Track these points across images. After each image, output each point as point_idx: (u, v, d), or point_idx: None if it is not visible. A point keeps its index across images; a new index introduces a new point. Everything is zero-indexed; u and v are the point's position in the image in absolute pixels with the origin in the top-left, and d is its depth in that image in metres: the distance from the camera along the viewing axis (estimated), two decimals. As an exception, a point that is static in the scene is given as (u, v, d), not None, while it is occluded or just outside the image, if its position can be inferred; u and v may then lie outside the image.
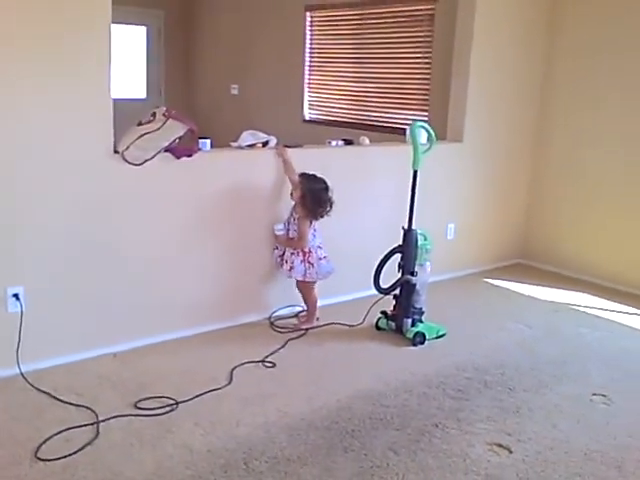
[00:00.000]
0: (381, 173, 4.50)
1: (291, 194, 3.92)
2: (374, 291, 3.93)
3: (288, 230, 3.92)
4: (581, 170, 5.12)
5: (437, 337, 3.89)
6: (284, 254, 3.94)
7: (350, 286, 4.41)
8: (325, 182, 3.83)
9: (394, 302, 3.91)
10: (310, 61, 7.18)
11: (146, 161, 3.47)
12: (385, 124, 6.43)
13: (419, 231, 3.84)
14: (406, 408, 3.09)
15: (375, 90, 6.51)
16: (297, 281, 3.98)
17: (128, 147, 3.43)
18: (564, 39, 5.13)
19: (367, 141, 4.41)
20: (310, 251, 3.90)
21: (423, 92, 6.04)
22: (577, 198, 5.16)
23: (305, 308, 4.16)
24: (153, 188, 3.57)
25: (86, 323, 3.47)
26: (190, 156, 3.62)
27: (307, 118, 7.31)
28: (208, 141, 3.81)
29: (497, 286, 4.93)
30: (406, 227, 3.83)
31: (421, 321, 3.88)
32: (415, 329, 3.80)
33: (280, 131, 7.68)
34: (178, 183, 3.65)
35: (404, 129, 6.36)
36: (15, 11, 2.99)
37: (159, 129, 3.49)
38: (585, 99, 5.04)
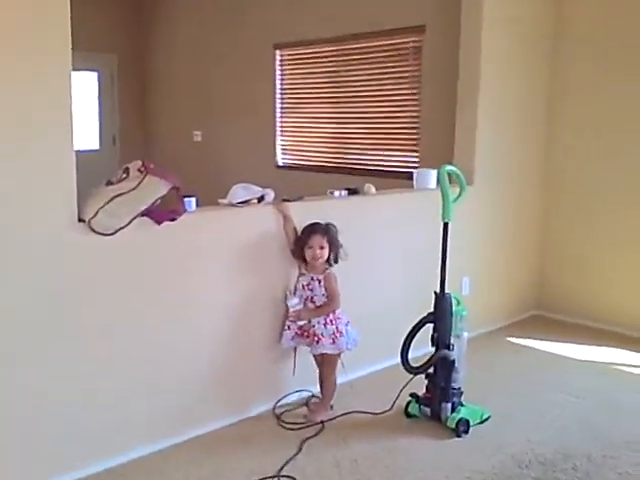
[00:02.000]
0: (393, 225, 3.81)
1: (293, 252, 3.21)
2: (392, 362, 3.21)
3: (305, 300, 3.18)
4: (595, 213, 4.56)
5: (481, 422, 3.17)
6: (302, 328, 3.19)
7: (363, 358, 3.66)
8: (321, 223, 3.20)
9: (426, 382, 3.18)
10: (282, 102, 6.51)
11: (119, 229, 2.69)
12: (369, 167, 5.77)
13: (454, 295, 3.15)
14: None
15: (356, 131, 5.86)
16: (318, 357, 3.24)
17: (96, 214, 2.64)
18: (569, 69, 4.62)
19: (373, 189, 3.73)
20: (338, 316, 3.18)
21: (412, 131, 5.43)
22: (593, 242, 4.58)
23: (317, 392, 3.40)
24: (129, 263, 2.78)
25: (42, 443, 2.63)
26: (174, 220, 2.86)
27: (280, 164, 6.62)
28: (193, 200, 3.05)
29: (523, 346, 4.25)
30: (438, 291, 3.13)
31: (461, 404, 3.15)
32: (457, 415, 3.07)
33: (251, 179, 6.93)
34: (160, 254, 2.87)
35: (389, 171, 5.82)
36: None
37: (135, 189, 2.72)
38: (596, 134, 4.51)
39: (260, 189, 3.25)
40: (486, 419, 3.18)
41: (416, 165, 5.42)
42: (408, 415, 3.23)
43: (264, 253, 3.22)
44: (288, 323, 3.21)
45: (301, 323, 3.17)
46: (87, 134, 7.83)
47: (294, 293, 3.20)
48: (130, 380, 2.84)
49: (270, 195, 3.25)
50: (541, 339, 4.35)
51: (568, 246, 4.72)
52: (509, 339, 4.36)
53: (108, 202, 2.66)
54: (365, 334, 3.35)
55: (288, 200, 3.31)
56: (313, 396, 3.44)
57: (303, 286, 3.17)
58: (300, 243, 3.16)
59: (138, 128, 8.10)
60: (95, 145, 7.94)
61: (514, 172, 4.59)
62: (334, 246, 3.15)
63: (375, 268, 3.71)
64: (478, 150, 4.26)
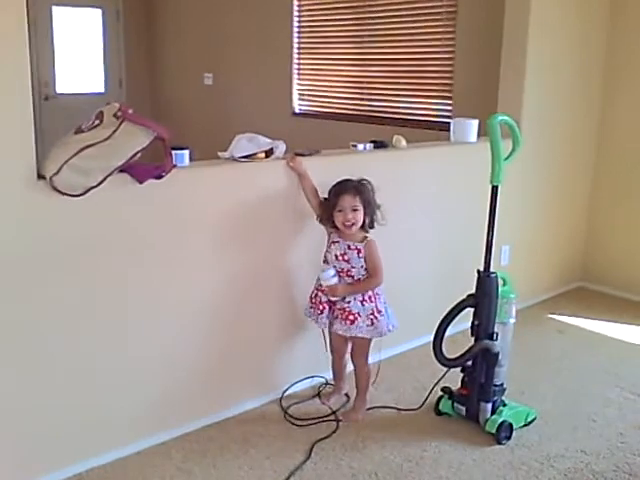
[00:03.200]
0: (426, 185, 3.21)
1: (319, 218, 2.65)
2: (419, 343, 2.73)
3: (339, 273, 2.60)
4: None
5: (525, 425, 2.64)
6: (334, 306, 2.63)
7: (385, 339, 3.10)
8: (352, 179, 2.60)
9: (462, 375, 2.65)
10: (299, 42, 5.82)
11: (90, 189, 2.14)
12: (396, 116, 5.12)
13: (499, 274, 2.58)
14: None
15: (382, 75, 5.19)
16: (341, 340, 2.69)
17: (60, 169, 2.07)
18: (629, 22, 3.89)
19: (404, 142, 3.11)
20: (378, 293, 2.62)
21: (445, 75, 4.75)
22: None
23: (330, 379, 2.89)
24: (102, 232, 2.23)
25: (17, 444, 2.14)
26: (160, 177, 2.29)
27: (297, 111, 5.97)
28: (186, 152, 2.47)
29: (569, 325, 3.68)
30: (482, 269, 2.56)
31: (503, 403, 2.62)
32: (499, 418, 2.53)
33: (265, 127, 6.29)
34: (143, 220, 2.31)
35: (419, 121, 5.16)
36: None
37: (109, 138, 2.14)
38: None
39: (269, 141, 2.66)
40: (531, 421, 2.65)
41: (449, 115, 4.77)
42: (439, 413, 2.71)
43: (273, 218, 2.65)
44: (322, 298, 2.64)
45: (334, 299, 2.61)
46: (92, 76, 7.23)
47: (325, 263, 2.63)
48: (105, 371, 2.33)
49: (280, 148, 2.65)
50: (587, 316, 3.77)
51: (620, 210, 4.09)
52: (552, 316, 3.78)
53: (75, 155, 2.09)
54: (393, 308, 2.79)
55: (302, 154, 2.72)
56: (327, 384, 2.93)
57: (337, 256, 2.58)
58: (328, 206, 2.58)
59: (145, 70, 7.46)
60: (100, 88, 7.32)
61: (566, 131, 3.93)
62: (370, 208, 2.56)
63: (404, 235, 3.12)
64: (527, 100, 3.59)
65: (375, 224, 2.60)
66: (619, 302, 4.02)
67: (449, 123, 4.78)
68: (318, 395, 2.86)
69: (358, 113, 5.41)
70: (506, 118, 2.49)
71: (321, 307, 2.63)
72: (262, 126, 6.29)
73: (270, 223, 2.66)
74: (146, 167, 2.26)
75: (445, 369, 2.62)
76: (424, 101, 4.92)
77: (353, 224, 2.53)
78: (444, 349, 2.55)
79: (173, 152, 2.38)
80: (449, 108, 4.75)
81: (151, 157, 2.29)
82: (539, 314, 3.80)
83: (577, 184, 4.13)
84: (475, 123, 3.35)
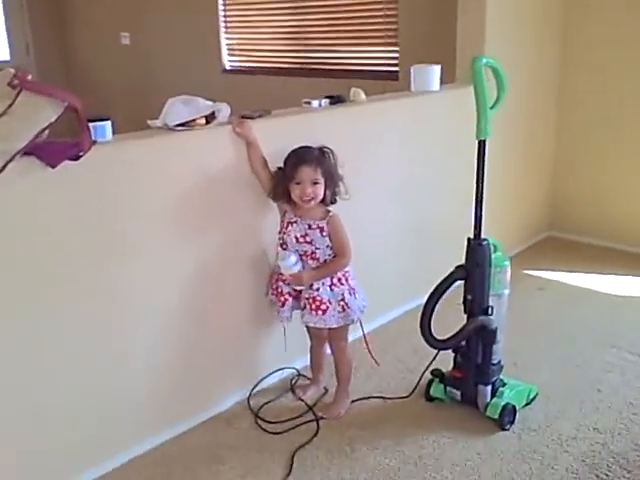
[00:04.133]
0: (391, 142, 2.82)
1: (272, 193, 2.21)
2: (398, 314, 2.41)
3: (302, 256, 2.19)
4: (615, 115, 3.65)
5: (527, 403, 2.35)
6: (300, 295, 2.23)
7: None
8: (312, 148, 2.17)
9: (455, 356, 2.31)
10: (224, -9, 5.26)
11: (-14, 181, 1.64)
12: (337, 67, 4.68)
13: (491, 240, 2.23)
14: None
15: (319, 24, 4.71)
16: (327, 331, 2.29)
17: (-60, 158, 1.58)
18: None
19: (363, 95, 2.69)
20: (347, 271, 2.23)
21: (389, 20, 4.32)
22: (613, 149, 3.69)
23: (303, 368, 2.52)
24: (9, 231, 1.75)
25: None
26: (78, 158, 1.80)
27: (228, 67, 5.43)
28: (107, 124, 1.97)
29: (546, 280, 3.40)
30: (472, 237, 2.20)
31: (503, 382, 2.31)
32: (500, 401, 2.21)
33: (193, 87, 5.68)
34: (61, 213, 1.83)
35: (364, 71, 4.71)
36: None
37: (4, 114, 1.65)
38: (612, 51, 3.54)
39: (209, 103, 2.19)
40: (533, 398, 2.36)
41: (396, 62, 4.37)
42: (430, 398, 2.37)
43: (227, 197, 2.20)
44: (283, 288, 2.25)
45: (300, 288, 2.21)
46: (-6, 42, 6.45)
47: (284, 248, 2.22)
48: (44, 386, 1.87)
49: (224, 112, 2.19)
50: (563, 269, 3.50)
51: (586, 155, 3.81)
52: (527, 272, 3.48)
53: (-40, 137, 1.60)
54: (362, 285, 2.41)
55: (250, 117, 2.27)
56: (299, 375, 2.55)
57: (297, 239, 2.17)
58: (283, 178, 2.15)
59: (54, 33, 6.68)
60: (5, 55, 6.52)
61: (530, 75, 3.56)
62: (332, 180, 2.15)
63: (369, 201, 2.72)
64: (489, 41, 3.20)
65: (337, 198, 2.20)
66: (589, 249, 3.78)
67: (397, 71, 4.42)
68: (291, 389, 2.48)
69: (296, 66, 4.93)
70: (491, 61, 2.09)
71: (282, 299, 2.24)
72: (190, 86, 5.64)
73: (224, 204, 2.21)
74: (58, 146, 1.77)
75: (435, 351, 2.28)
76: (368, 49, 4.49)
77: (312, 199, 2.12)
78: (433, 331, 2.21)
79: (91, 125, 1.89)
80: (396, 55, 4.34)
81: (64, 133, 1.80)
82: (514, 271, 3.41)
83: (540, 133, 3.81)
84: (437, 69, 2.95)
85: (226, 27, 5.32)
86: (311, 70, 4.81)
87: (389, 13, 4.28)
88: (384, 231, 2.89)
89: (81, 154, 1.79)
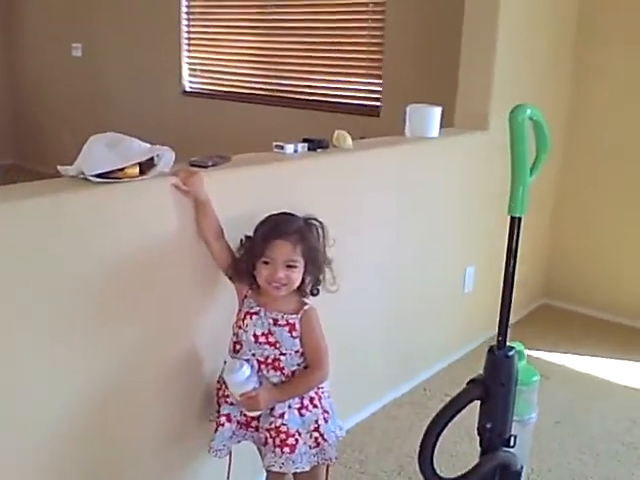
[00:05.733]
0: (384, 198, 2.23)
1: (231, 271, 1.59)
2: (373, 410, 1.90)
3: (262, 364, 1.54)
4: (617, 184, 3.17)
5: None
6: (256, 423, 1.58)
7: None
8: (293, 216, 1.56)
9: (459, 495, 1.72)
10: (189, 6, 4.65)
11: None
12: (310, 96, 4.12)
13: (517, 347, 1.66)
14: None
15: (293, 47, 4.15)
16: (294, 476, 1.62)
17: None
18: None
19: (349, 140, 2.10)
20: (320, 391, 1.58)
21: (373, 50, 3.78)
22: (614, 219, 3.21)
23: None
24: None
25: None
26: None
27: (187, 89, 4.81)
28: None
29: (549, 364, 2.82)
30: (496, 344, 1.62)
31: (521, 533, 1.72)
32: None
33: (149, 109, 5.06)
34: None
35: (341, 104, 4.11)
36: None
37: None
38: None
39: (146, 147, 1.56)
40: None
41: (378, 97, 3.83)
42: None
43: (156, 279, 1.56)
44: (222, 407, 1.60)
45: (255, 414, 1.56)
46: None
47: (235, 352, 1.58)
48: None
49: (166, 159, 1.56)
50: (569, 349, 2.96)
51: (581, 230, 3.32)
52: (527, 352, 2.92)
53: None
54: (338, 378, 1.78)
55: (201, 165, 1.66)
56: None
57: (256, 337, 1.54)
58: (249, 251, 1.54)
59: (1, 40, 5.97)
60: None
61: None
62: (315, 264, 1.54)
63: (355, 274, 2.12)
64: (497, 86, 2.66)
65: (319, 289, 1.58)
66: (592, 322, 3.25)
67: (379, 107, 3.88)
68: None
69: (265, 93, 4.34)
70: (537, 112, 1.51)
71: (222, 419, 1.58)
72: (146, 108, 5.06)
73: (154, 288, 1.57)
74: None
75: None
76: (347, 79, 3.94)
77: (285, 284, 1.51)
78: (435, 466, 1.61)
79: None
80: (379, 89, 3.81)
81: None
82: (511, 350, 2.94)
83: (542, 196, 3.28)
84: (438, 112, 2.39)
85: (189, 44, 4.72)
86: (281, 99, 4.24)
87: (374, 41, 3.75)
88: (367, 308, 2.29)
89: None
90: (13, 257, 1.31)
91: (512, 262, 1.59)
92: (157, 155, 1.56)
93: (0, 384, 1.33)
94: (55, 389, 1.43)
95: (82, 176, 1.48)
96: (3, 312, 1.31)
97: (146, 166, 1.54)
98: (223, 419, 1.57)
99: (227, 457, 1.63)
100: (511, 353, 1.60)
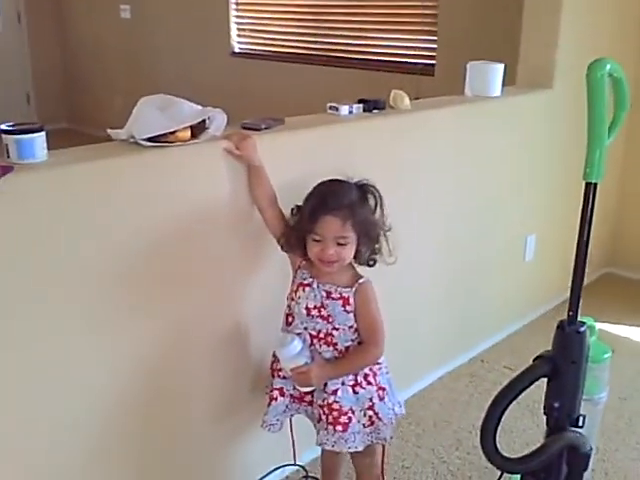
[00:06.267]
0: (443, 162, 2.12)
1: (284, 242, 1.51)
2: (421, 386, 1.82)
3: (314, 338, 1.47)
4: None
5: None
6: (305, 395, 1.53)
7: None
8: (343, 184, 1.45)
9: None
10: (236, -38, 4.53)
11: None
12: (361, 55, 3.98)
13: (588, 322, 1.55)
14: None
15: (341, 4, 4.00)
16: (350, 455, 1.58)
17: None
18: None
19: (407, 101, 1.99)
20: (376, 367, 1.50)
21: (427, 4, 3.60)
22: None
23: (308, 463, 1.84)
24: None
25: None
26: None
27: (236, 50, 4.72)
28: (38, 138, 1.27)
29: (614, 336, 2.68)
30: (567, 319, 1.51)
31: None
32: None
33: (198, 70, 5.01)
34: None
35: (392, 62, 3.97)
36: None
37: None
38: None
39: (197, 108, 1.49)
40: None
41: (432, 55, 3.66)
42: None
43: (207, 246, 1.51)
44: (274, 381, 1.55)
45: (307, 389, 1.50)
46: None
47: (287, 325, 1.51)
48: None
49: (217, 122, 1.49)
50: (632, 322, 2.80)
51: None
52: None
53: None
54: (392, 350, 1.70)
55: (254, 128, 1.58)
56: (307, 477, 1.88)
57: (308, 310, 1.47)
58: (299, 224, 1.45)
59: (49, 2, 5.98)
60: (-7, 25, 5.83)
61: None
62: (369, 236, 1.44)
63: (413, 242, 2.02)
64: (562, 44, 2.46)
65: (376, 259, 1.48)
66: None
67: (433, 65, 3.70)
68: (291, 497, 1.81)
69: (314, 53, 4.22)
70: (617, 67, 1.36)
71: (274, 394, 1.53)
72: (195, 70, 5.00)
73: (208, 256, 1.52)
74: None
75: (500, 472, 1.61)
76: (400, 37, 3.77)
77: (336, 261, 1.42)
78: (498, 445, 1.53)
79: (11, 139, 1.21)
80: (433, 46, 3.63)
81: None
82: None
83: (608, 158, 3.08)
84: (500, 69, 2.25)
85: (237, 3, 4.60)
86: (331, 58, 4.11)
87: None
88: (424, 276, 2.20)
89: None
90: (61, 226, 1.27)
91: (586, 233, 1.47)
92: (209, 118, 1.49)
93: (52, 364, 1.31)
94: (104, 366, 1.40)
95: (132, 140, 1.42)
96: (66, 280, 1.28)
97: (198, 129, 1.47)
98: (276, 393, 1.52)
99: (284, 431, 1.59)
100: (582, 329, 1.49)
